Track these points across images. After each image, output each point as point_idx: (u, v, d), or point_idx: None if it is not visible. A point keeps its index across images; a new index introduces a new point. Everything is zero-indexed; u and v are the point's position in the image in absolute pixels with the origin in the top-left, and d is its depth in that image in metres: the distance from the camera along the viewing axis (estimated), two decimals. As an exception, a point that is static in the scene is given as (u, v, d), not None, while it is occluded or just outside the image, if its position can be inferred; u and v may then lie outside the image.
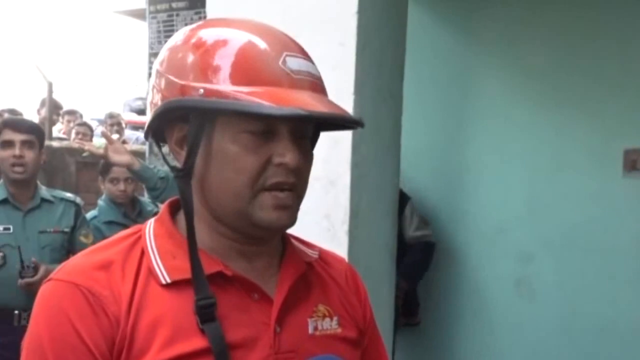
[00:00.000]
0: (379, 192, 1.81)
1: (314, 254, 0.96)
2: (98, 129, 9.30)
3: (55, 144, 5.39)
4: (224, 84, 0.78)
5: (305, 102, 0.77)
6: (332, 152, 1.63)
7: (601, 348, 3.00)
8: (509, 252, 3.22)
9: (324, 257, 0.99)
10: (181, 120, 0.83)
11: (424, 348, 3.47)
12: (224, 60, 0.79)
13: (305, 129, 0.84)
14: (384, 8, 1.77)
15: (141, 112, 10.80)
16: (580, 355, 3.03)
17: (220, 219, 0.84)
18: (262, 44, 0.81)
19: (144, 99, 8.32)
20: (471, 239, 3.34)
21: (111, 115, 7.00)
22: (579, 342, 2.92)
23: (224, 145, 0.81)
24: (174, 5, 3.04)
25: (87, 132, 6.21)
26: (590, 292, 3.03)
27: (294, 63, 0.80)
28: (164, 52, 0.86)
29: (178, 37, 0.86)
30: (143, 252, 0.84)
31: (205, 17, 2.09)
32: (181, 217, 0.87)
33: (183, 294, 0.81)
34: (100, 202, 3.27)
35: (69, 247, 2.73)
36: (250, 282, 0.84)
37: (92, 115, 10.29)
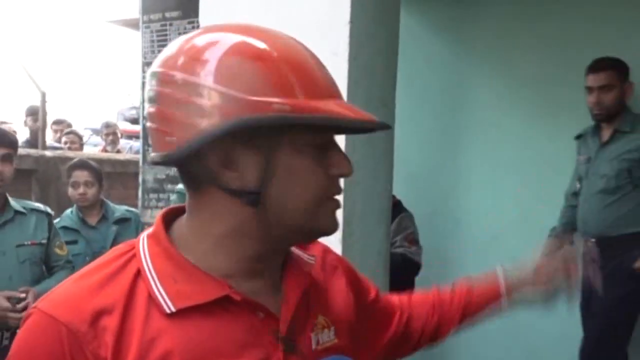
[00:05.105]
0: (372, 200, 1.81)
1: (310, 259, 0.92)
2: (92, 139, 9.30)
3: (48, 153, 5.36)
4: (302, 98, 0.74)
5: (362, 113, 0.79)
6: (325, 161, 1.64)
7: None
8: (502, 259, 3.21)
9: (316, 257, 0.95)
10: (231, 137, 0.74)
11: (419, 355, 3.46)
12: (292, 74, 0.75)
13: None
14: (376, 18, 1.79)
15: (135, 121, 10.79)
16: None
17: (267, 238, 0.80)
18: (309, 54, 0.81)
19: (137, 108, 8.32)
20: (465, 247, 3.35)
21: (107, 125, 7.01)
22: (574, 349, 2.92)
23: (290, 162, 0.76)
24: (167, 15, 3.05)
25: (75, 140, 6.16)
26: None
27: None
28: (210, 63, 0.74)
29: (221, 45, 0.76)
30: (139, 274, 0.77)
31: (198, 26, 2.10)
32: (176, 231, 0.82)
33: (189, 322, 0.75)
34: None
35: (45, 259, 2.63)
36: (256, 303, 0.80)
37: (86, 124, 10.29)
